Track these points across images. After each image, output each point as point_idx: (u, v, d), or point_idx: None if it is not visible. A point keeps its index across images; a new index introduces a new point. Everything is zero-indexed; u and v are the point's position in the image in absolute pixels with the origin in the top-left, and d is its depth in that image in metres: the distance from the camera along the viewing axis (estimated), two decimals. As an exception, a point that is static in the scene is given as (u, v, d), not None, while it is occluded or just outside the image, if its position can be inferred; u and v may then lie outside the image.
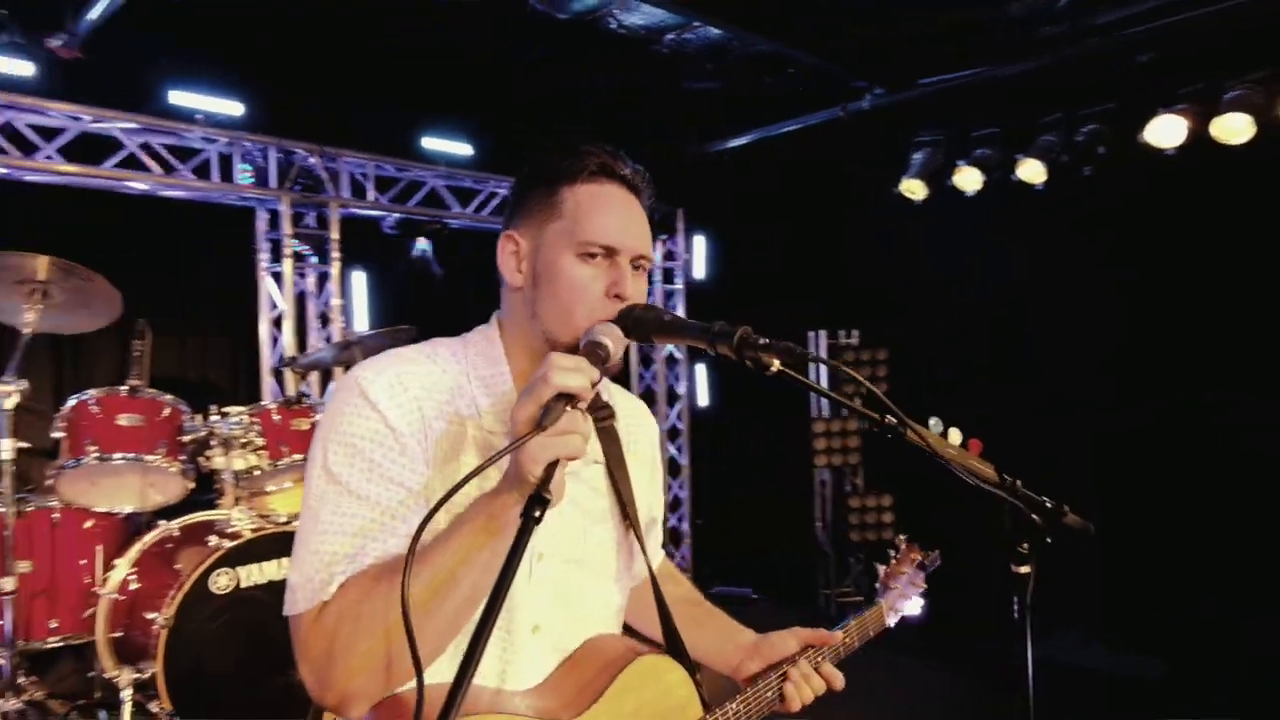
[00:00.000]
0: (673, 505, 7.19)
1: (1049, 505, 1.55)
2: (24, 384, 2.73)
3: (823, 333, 6.62)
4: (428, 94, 5.56)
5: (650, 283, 7.06)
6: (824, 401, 6.70)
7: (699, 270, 7.15)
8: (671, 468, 7.20)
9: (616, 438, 1.53)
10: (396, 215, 5.48)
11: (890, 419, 1.30)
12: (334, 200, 5.12)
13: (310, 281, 5.24)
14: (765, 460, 6.96)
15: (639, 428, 1.63)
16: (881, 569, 1.97)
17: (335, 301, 5.12)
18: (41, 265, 2.83)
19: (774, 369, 1.22)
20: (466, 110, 5.79)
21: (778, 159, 6.72)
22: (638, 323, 1.30)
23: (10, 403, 2.66)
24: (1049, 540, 1.48)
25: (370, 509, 1.22)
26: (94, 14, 3.87)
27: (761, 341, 1.21)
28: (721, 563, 7.15)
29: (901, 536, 2.06)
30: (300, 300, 5.19)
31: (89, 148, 4.35)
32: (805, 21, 5.46)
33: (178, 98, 4.53)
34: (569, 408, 1.07)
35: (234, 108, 4.70)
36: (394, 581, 1.10)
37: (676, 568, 1.86)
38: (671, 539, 7.12)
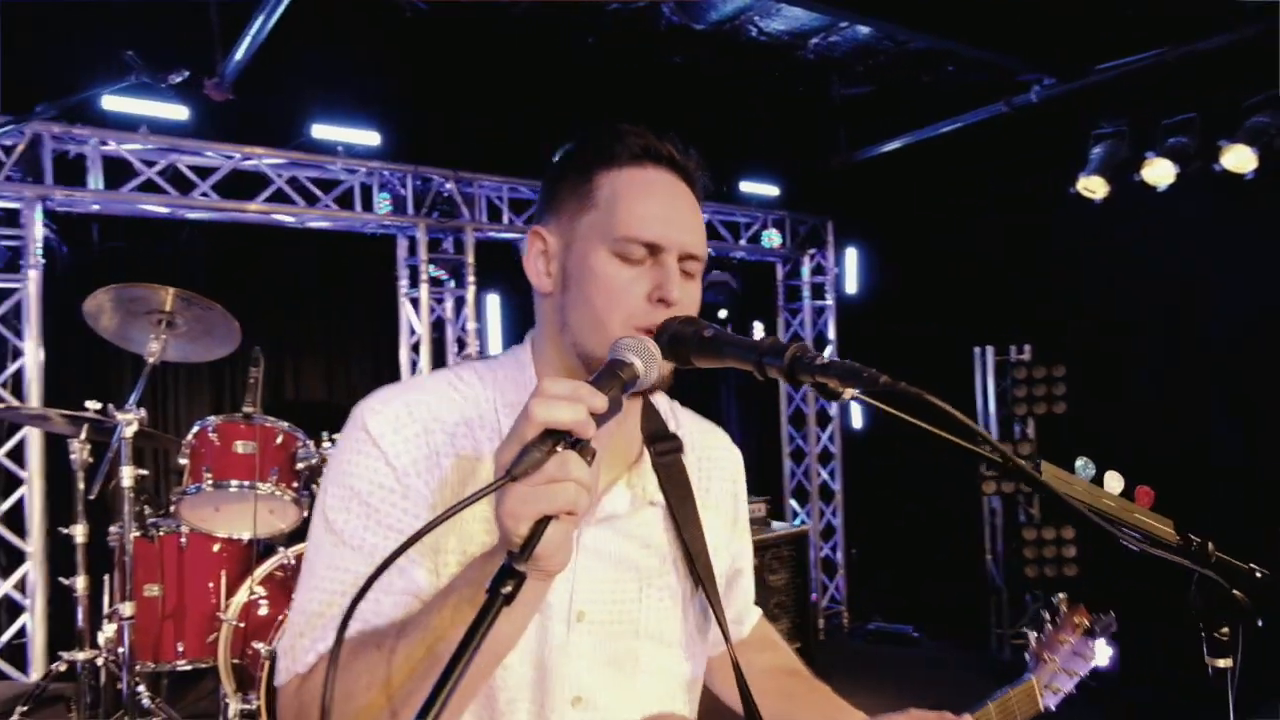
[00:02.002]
0: (825, 534, 6.77)
1: (1258, 574, 1.17)
2: (142, 412, 2.80)
3: (989, 349, 6.05)
4: (559, 112, 5.52)
5: (798, 299, 6.79)
6: (992, 423, 6.12)
7: (850, 285, 6.73)
8: (824, 494, 6.79)
9: (684, 475, 1.27)
10: (532, 237, 5.44)
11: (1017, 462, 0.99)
12: (469, 224, 5.14)
13: (448, 306, 5.29)
14: (927, 486, 6.42)
15: (715, 462, 1.37)
16: (1033, 637, 1.57)
17: (471, 325, 5.13)
18: (167, 296, 2.92)
19: (846, 396, 0.94)
20: (602, 124, 5.70)
21: (936, 162, 6.24)
22: (674, 339, 1.06)
23: (130, 430, 2.73)
24: (1260, 623, 1.11)
25: (365, 563, 1.04)
26: (239, 54, 4.05)
27: (819, 362, 0.94)
28: (879, 597, 6.65)
29: (1062, 596, 1.64)
30: (440, 325, 5.25)
31: (240, 184, 4.56)
32: (964, 13, 5.01)
33: (320, 131, 4.68)
34: (560, 448, 0.83)
35: (371, 138, 4.81)
36: (372, 656, 0.94)
37: (776, 630, 1.56)
38: (824, 570, 6.70)
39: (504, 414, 1.15)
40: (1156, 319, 5.67)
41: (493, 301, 5.34)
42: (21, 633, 4.01)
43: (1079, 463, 1.09)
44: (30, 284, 3.94)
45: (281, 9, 3.69)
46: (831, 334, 6.77)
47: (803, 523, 6.71)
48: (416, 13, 4.84)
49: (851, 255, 6.74)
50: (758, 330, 6.87)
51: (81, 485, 2.93)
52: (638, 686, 1.18)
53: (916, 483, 6.53)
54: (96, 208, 4.24)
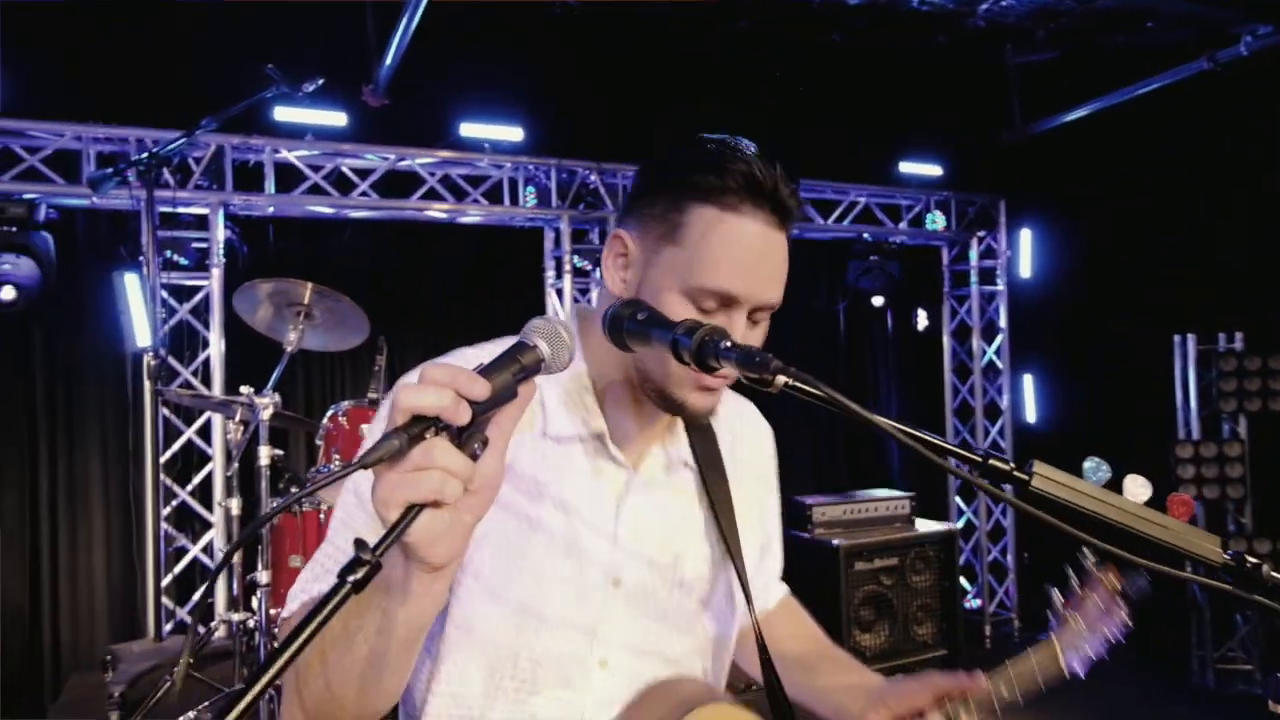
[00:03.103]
0: (994, 535, 6.32)
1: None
2: (277, 397, 3.04)
3: (1191, 337, 5.42)
4: (707, 99, 5.46)
5: (965, 285, 6.35)
6: (1193, 421, 5.48)
7: (1024, 269, 6.22)
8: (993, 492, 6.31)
9: (713, 438, 1.28)
10: (677, 226, 5.42)
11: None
12: (613, 215, 5.20)
13: (593, 295, 5.38)
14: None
15: (744, 432, 1.38)
16: (1057, 595, 1.42)
17: (614, 315, 5.19)
18: (306, 290, 3.15)
19: (778, 385, 0.86)
20: (749, 111, 5.59)
21: (1124, 131, 5.63)
22: (613, 324, 1.04)
23: (266, 414, 2.97)
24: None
25: (373, 537, 1.08)
26: (389, 59, 4.30)
27: (724, 346, 0.88)
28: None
29: (1091, 557, 1.48)
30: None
31: (396, 183, 4.85)
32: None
33: (467, 129, 4.88)
34: (430, 434, 0.79)
35: (515, 133, 4.97)
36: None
37: (797, 601, 1.54)
38: (993, 573, 6.26)
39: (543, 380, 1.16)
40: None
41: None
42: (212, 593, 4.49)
43: (1088, 464, 0.93)
44: (214, 281, 4.38)
45: (420, 10, 3.88)
46: (1003, 321, 6.29)
47: (968, 522, 6.31)
48: (566, 10, 4.94)
49: (1026, 236, 6.22)
50: (921, 319, 6.51)
51: (237, 463, 3.24)
52: (664, 648, 1.20)
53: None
54: (271, 210, 4.64)
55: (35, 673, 4.36)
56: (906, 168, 6.10)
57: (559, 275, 5.21)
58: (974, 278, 6.31)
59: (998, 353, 6.32)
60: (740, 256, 1.08)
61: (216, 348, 4.39)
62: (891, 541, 4.11)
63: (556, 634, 1.12)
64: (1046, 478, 0.90)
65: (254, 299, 3.32)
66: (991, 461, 0.90)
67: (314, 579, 1.11)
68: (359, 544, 0.75)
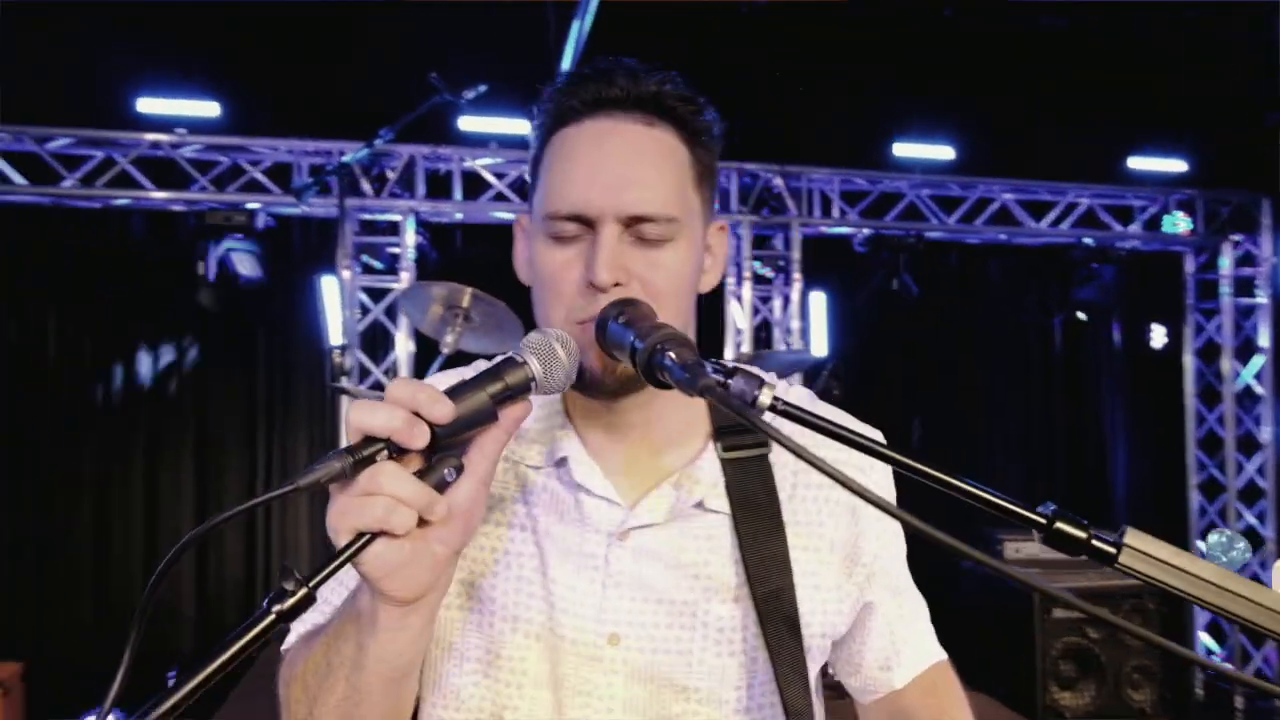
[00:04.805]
0: (1248, 591, 5.38)
1: None
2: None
3: None
4: (902, 93, 5.08)
5: (1214, 297, 5.48)
6: None
7: (1292, 277, 5.29)
8: (1251, 539, 5.41)
9: (765, 477, 1.03)
10: (867, 231, 5.10)
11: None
12: (795, 219, 4.97)
13: (776, 304, 5.17)
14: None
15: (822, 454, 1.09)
16: None
17: (794, 324, 4.96)
18: (465, 294, 3.23)
19: (765, 401, 0.70)
20: (943, 111, 5.16)
21: None
22: (599, 328, 0.90)
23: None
24: None
25: None
26: (565, 62, 4.32)
27: (670, 355, 0.72)
28: (1330, 682, 5.13)
29: None
30: (766, 326, 5.16)
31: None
32: None
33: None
34: (381, 457, 0.73)
35: (696, 135, 4.85)
36: (307, 650, 0.93)
37: (956, 683, 1.16)
38: (1249, 632, 5.34)
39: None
40: None
41: (817, 299, 5.07)
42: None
43: (1213, 538, 0.66)
44: (403, 284, 4.60)
45: (592, 11, 3.86)
46: (1264, 340, 5.38)
47: (1213, 573, 5.44)
48: (751, 9, 4.77)
49: (1295, 240, 5.29)
50: (1157, 336, 5.72)
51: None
52: None
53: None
54: (459, 216, 4.82)
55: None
56: (1137, 163, 5.39)
57: (739, 282, 5.04)
58: (1226, 289, 5.46)
59: (1257, 376, 5.41)
60: (577, 166, 0.93)
61: (404, 347, 4.61)
62: (1101, 588, 3.57)
63: (538, 692, 0.97)
64: (1140, 552, 0.64)
65: (425, 301, 3.43)
66: (1059, 525, 0.65)
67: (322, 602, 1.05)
68: (285, 571, 0.70)
